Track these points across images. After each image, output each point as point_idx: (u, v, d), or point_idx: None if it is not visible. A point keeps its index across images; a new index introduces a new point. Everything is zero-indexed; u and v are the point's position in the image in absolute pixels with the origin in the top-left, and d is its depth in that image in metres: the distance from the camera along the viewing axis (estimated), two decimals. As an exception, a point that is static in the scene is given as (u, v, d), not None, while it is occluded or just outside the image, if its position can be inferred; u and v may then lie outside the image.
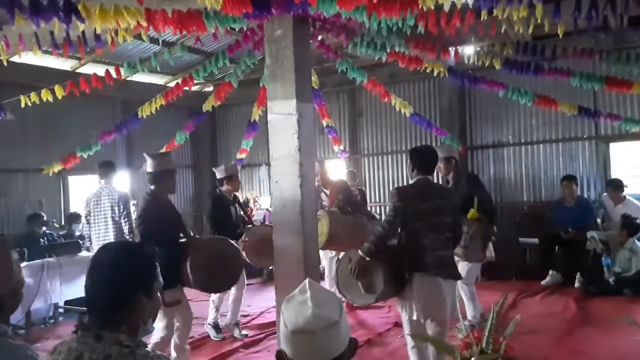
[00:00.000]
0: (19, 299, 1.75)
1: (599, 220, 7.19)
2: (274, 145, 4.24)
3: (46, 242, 6.83)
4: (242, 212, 5.78)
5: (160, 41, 7.17)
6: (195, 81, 6.63)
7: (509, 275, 7.16)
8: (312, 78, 5.31)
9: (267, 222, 7.95)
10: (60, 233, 7.44)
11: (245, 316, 6.12)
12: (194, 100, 9.08)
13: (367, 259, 3.49)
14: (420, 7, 3.50)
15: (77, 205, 8.24)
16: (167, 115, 9.12)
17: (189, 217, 10.12)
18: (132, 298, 1.56)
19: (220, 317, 5.59)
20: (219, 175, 5.58)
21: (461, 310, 4.28)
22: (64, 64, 7.92)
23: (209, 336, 5.46)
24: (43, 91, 5.21)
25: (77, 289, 6.01)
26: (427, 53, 5.25)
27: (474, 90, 7.86)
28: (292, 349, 1.47)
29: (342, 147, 8.65)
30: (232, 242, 4.65)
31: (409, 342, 3.63)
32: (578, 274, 6.67)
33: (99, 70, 6.05)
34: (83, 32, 3.77)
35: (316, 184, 5.39)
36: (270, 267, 5.98)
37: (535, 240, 7.36)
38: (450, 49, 5.30)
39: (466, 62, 5.61)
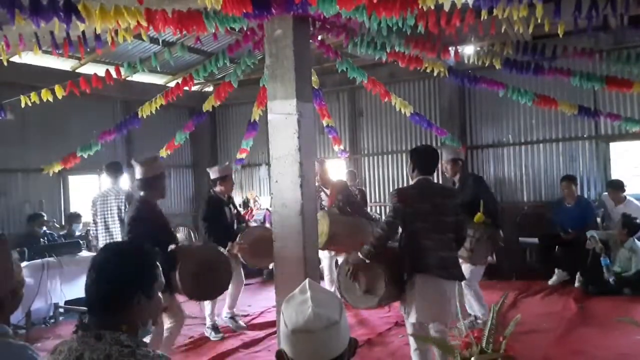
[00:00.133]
0: (19, 299, 1.75)
1: (599, 219, 7.21)
2: (274, 145, 4.23)
3: (46, 242, 6.83)
4: (236, 213, 5.80)
5: (160, 41, 7.16)
6: (195, 81, 6.62)
7: (509, 275, 7.16)
8: (312, 78, 5.30)
9: (267, 222, 7.97)
10: (61, 233, 7.43)
11: (245, 316, 6.12)
12: (194, 100, 9.09)
13: (367, 261, 3.49)
14: (420, 6, 3.49)
15: (77, 205, 8.25)
16: (167, 115, 9.15)
17: (188, 217, 10.13)
18: (131, 298, 1.56)
19: (217, 317, 5.60)
20: (212, 176, 5.60)
21: (462, 310, 4.28)
22: (64, 64, 7.91)
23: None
24: (43, 91, 5.21)
25: (77, 289, 6.01)
26: (427, 53, 5.23)
27: (474, 90, 7.85)
28: (292, 348, 1.48)
29: (342, 147, 8.64)
30: (222, 249, 4.66)
31: (412, 344, 3.62)
32: (578, 273, 6.67)
33: (99, 70, 6.04)
34: (83, 32, 3.77)
35: (316, 184, 5.39)
36: (270, 267, 5.98)
37: (536, 240, 7.36)
38: (450, 48, 5.29)
39: (466, 61, 5.60)
